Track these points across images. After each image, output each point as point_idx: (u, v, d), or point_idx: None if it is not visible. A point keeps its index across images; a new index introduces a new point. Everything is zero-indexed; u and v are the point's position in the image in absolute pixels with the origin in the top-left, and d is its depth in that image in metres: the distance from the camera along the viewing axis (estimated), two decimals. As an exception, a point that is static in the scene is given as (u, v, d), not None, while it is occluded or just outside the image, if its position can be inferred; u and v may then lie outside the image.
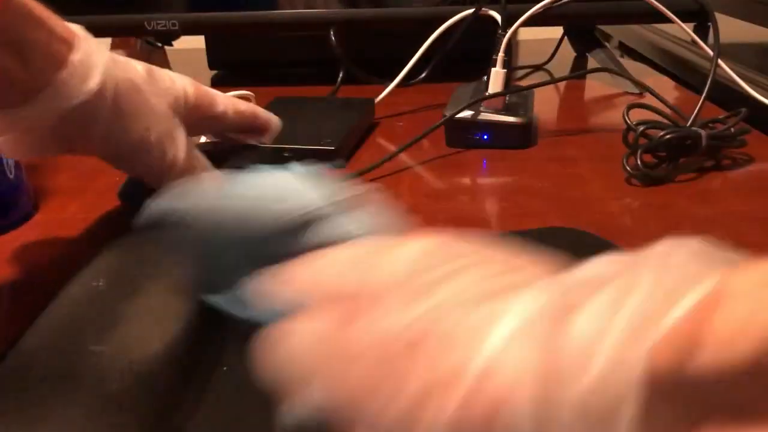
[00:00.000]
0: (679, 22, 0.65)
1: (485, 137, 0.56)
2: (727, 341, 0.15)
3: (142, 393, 0.25)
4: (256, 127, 0.45)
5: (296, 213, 0.26)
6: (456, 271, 0.20)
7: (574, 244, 0.40)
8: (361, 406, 0.19)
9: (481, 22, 0.63)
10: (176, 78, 0.39)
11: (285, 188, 0.27)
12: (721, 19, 0.66)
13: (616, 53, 0.86)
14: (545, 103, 0.69)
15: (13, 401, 0.23)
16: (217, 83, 0.82)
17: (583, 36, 0.83)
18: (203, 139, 0.56)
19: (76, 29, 0.33)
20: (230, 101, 0.42)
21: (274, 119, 0.46)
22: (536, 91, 0.62)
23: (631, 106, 0.50)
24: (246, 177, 0.28)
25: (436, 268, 0.21)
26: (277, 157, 0.48)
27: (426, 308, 0.19)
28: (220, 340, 0.31)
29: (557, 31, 0.86)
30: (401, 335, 0.19)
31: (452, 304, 0.19)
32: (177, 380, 0.27)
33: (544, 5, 0.61)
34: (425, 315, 0.19)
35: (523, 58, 0.89)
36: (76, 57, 0.31)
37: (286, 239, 0.26)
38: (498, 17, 0.60)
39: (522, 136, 0.56)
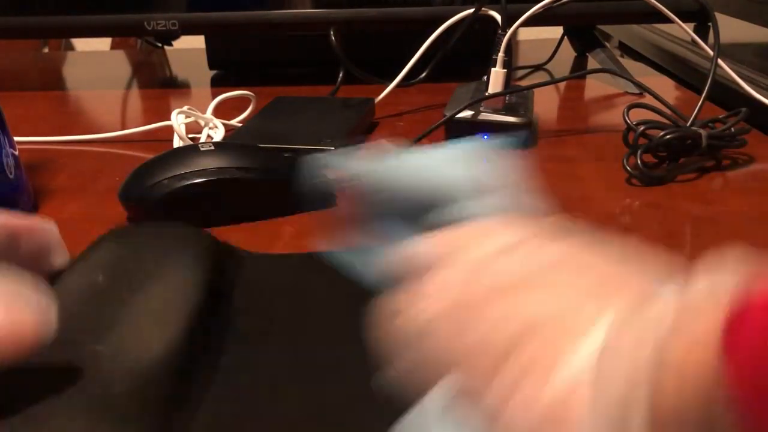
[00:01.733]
0: (679, 22, 0.65)
1: (485, 137, 0.56)
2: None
3: (145, 395, 0.24)
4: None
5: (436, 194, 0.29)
6: (553, 280, 0.22)
7: None
8: (476, 389, 0.21)
9: (481, 22, 0.63)
10: None
11: (439, 169, 0.30)
12: (721, 19, 0.66)
13: (616, 53, 0.86)
14: (545, 103, 0.69)
15: (14, 399, 0.23)
16: (217, 83, 0.83)
17: (583, 36, 0.83)
18: (203, 139, 0.56)
19: None
20: None
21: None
22: (536, 91, 0.62)
23: (631, 106, 0.50)
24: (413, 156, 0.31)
25: (539, 271, 0.23)
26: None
27: (526, 318, 0.21)
28: (220, 339, 0.31)
29: (557, 31, 0.86)
30: (507, 338, 0.21)
31: (547, 316, 0.21)
32: (178, 381, 0.26)
33: (544, 5, 0.61)
34: (527, 322, 0.21)
35: (523, 58, 0.89)
36: None
37: (421, 214, 0.29)
38: (498, 17, 0.60)
39: (522, 136, 0.56)
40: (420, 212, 0.30)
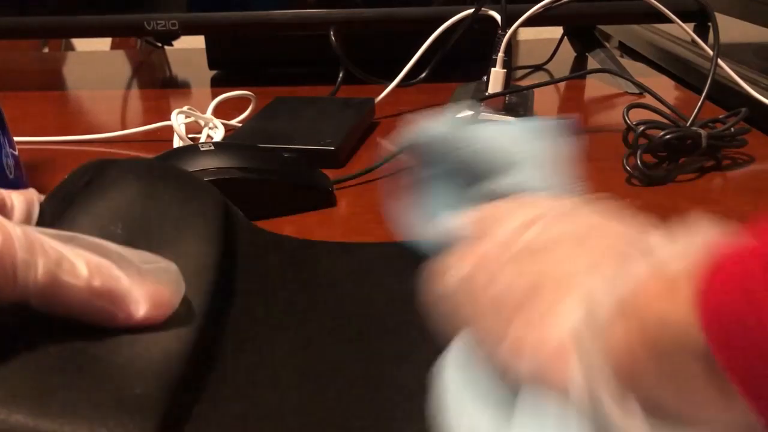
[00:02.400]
0: (679, 22, 0.65)
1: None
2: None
3: (165, 396, 0.24)
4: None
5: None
6: (561, 249, 0.26)
7: None
8: (485, 339, 0.25)
9: (481, 22, 0.63)
10: None
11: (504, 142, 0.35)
12: (721, 19, 0.66)
13: (616, 53, 0.86)
14: (545, 103, 0.69)
15: (32, 389, 0.22)
16: (217, 83, 0.83)
17: (583, 36, 0.83)
18: (203, 139, 0.56)
19: None
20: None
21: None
22: (536, 91, 0.62)
23: (631, 106, 0.50)
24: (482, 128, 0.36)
25: (552, 239, 0.26)
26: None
27: (532, 277, 0.25)
28: (223, 329, 0.31)
29: (557, 31, 0.86)
30: (510, 296, 0.25)
31: (550, 277, 0.24)
32: (191, 380, 0.26)
33: (544, 5, 0.61)
34: (531, 283, 0.25)
35: (523, 58, 0.89)
36: None
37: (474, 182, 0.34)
38: (498, 17, 0.60)
39: (522, 136, 0.56)
40: (472, 180, 0.35)
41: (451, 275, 0.27)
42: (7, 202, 0.28)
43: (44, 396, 0.22)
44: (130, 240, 0.27)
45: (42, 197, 0.31)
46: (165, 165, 0.40)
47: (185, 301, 0.28)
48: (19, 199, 0.29)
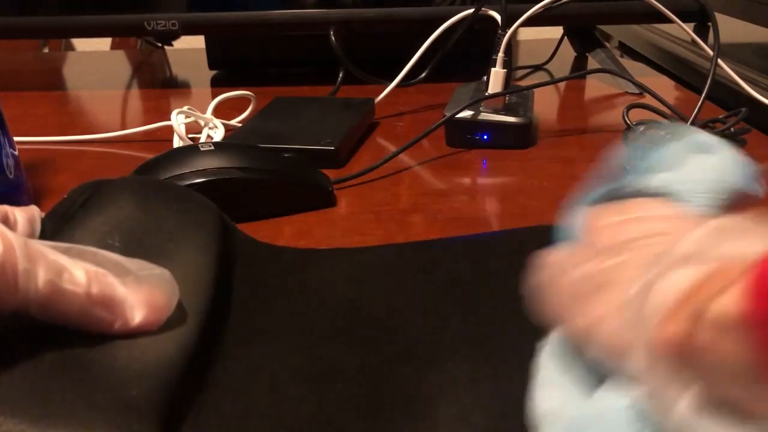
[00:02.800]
0: (679, 22, 0.65)
1: (485, 137, 0.56)
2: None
3: (161, 397, 0.24)
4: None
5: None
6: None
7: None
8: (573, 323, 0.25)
9: (481, 22, 0.64)
10: None
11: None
12: (721, 19, 0.66)
13: (616, 53, 0.86)
14: (545, 103, 0.69)
15: (29, 394, 0.22)
16: (217, 83, 0.83)
17: (583, 36, 0.83)
18: (203, 139, 0.56)
19: None
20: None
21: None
22: (536, 91, 0.62)
23: (631, 106, 0.51)
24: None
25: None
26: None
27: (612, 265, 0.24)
28: (222, 334, 0.31)
29: (557, 31, 0.86)
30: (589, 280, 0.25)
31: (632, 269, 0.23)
32: (189, 381, 0.26)
33: (544, 5, 0.61)
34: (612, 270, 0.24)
35: (523, 58, 0.89)
36: None
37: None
38: (498, 17, 0.60)
39: (522, 136, 0.56)
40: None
41: (571, 270, 0.27)
42: (10, 217, 0.29)
43: (42, 400, 0.22)
44: (127, 252, 0.28)
45: (43, 214, 0.31)
46: (162, 181, 0.40)
47: (182, 306, 0.28)
48: (22, 215, 0.29)
